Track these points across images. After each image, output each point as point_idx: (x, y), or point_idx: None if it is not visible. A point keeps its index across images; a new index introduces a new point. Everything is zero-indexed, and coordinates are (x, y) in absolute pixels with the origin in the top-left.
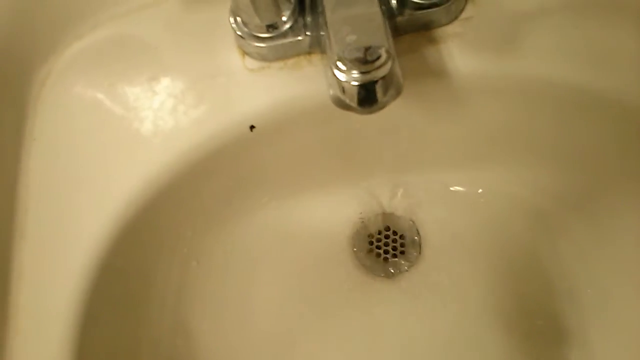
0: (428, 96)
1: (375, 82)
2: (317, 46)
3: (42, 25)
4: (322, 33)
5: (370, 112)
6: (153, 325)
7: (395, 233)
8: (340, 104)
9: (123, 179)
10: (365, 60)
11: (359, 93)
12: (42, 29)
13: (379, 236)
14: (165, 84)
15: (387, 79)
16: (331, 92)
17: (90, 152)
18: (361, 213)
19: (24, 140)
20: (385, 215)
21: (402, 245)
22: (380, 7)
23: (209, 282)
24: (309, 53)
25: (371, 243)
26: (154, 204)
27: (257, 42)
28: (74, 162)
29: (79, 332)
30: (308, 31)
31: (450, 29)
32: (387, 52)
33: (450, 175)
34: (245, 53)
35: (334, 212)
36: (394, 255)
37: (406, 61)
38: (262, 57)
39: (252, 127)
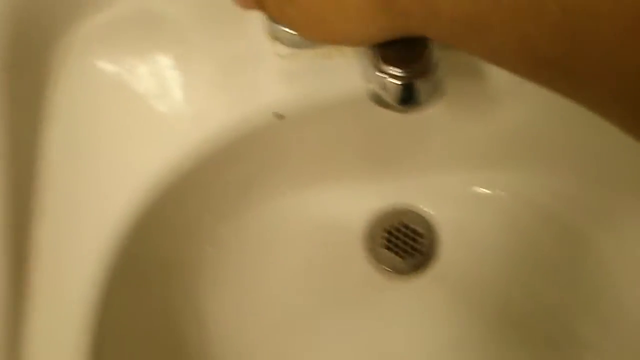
0: (460, 96)
1: (419, 81)
2: None
3: None
4: None
5: (410, 112)
6: (168, 309)
7: (412, 231)
8: (378, 101)
9: (145, 160)
10: (408, 58)
11: (400, 92)
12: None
13: (395, 233)
14: (192, 66)
15: (431, 79)
16: (370, 87)
17: (111, 131)
18: (379, 208)
19: (44, 114)
20: (403, 212)
21: (418, 242)
22: None
23: (222, 268)
24: None
25: (387, 239)
26: (175, 188)
27: None
28: (94, 140)
29: (96, 315)
30: None
31: None
32: (432, 52)
33: (472, 176)
34: (275, 38)
35: (352, 205)
36: (410, 253)
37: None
38: (293, 44)
39: (279, 116)
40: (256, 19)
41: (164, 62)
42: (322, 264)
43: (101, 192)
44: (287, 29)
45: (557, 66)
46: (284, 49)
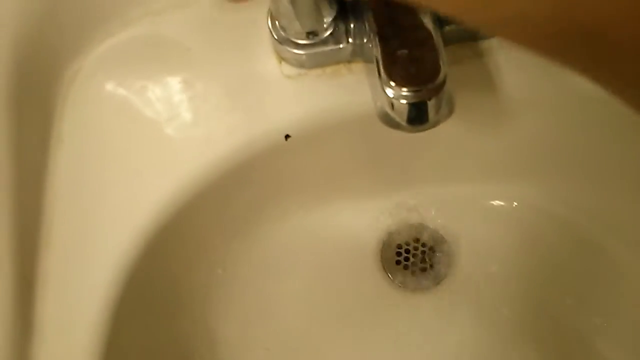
0: (470, 109)
1: (428, 100)
2: (359, 54)
3: (72, 20)
4: (365, 41)
5: (419, 131)
6: (179, 334)
7: (424, 245)
8: (387, 120)
9: (153, 185)
10: (417, 77)
11: (409, 111)
12: (72, 24)
13: (407, 247)
14: (198, 88)
15: (440, 98)
16: (378, 105)
17: (119, 156)
18: (391, 224)
19: (51, 141)
20: (416, 227)
21: (431, 258)
22: (432, 16)
23: (234, 290)
24: (349, 61)
25: (399, 254)
26: (183, 212)
27: (296, 48)
28: (102, 166)
29: (105, 343)
30: (350, 38)
31: (497, 41)
32: (442, 69)
33: (485, 188)
34: (282, 59)
35: (364, 222)
36: (423, 269)
37: (450, 73)
38: (300, 64)
39: (287, 137)
40: (263, 39)
41: (172, 86)
42: (335, 282)
43: (110, 216)
44: (294, 50)
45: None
46: (291, 70)
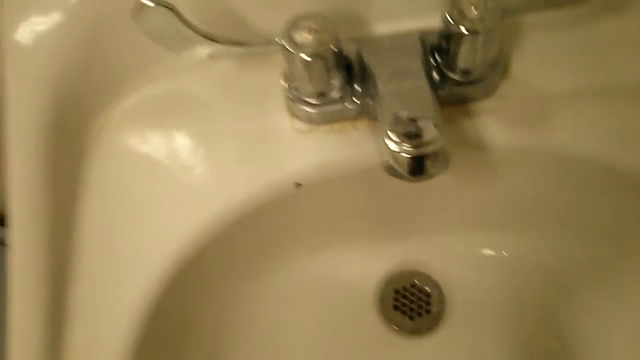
0: (463, 164)
1: (426, 156)
2: (364, 113)
3: (101, 77)
4: (370, 102)
5: (419, 181)
6: None
7: (420, 291)
8: (391, 172)
9: (172, 230)
10: (416, 135)
11: (410, 164)
12: (100, 81)
13: (404, 292)
14: (216, 141)
15: (437, 153)
16: (383, 159)
17: (141, 203)
18: (389, 269)
19: (81, 187)
20: (412, 273)
21: (427, 303)
22: (429, 82)
23: (242, 329)
24: (355, 119)
25: (396, 299)
26: (199, 255)
27: (307, 107)
28: (125, 212)
29: None
30: (356, 99)
31: (486, 104)
32: (437, 129)
33: (478, 238)
34: (294, 115)
35: (363, 267)
36: (419, 314)
37: (444, 131)
38: (310, 121)
39: (297, 185)
40: (276, 97)
41: (191, 139)
42: (336, 324)
43: (132, 258)
44: (305, 108)
45: None
46: (302, 125)
